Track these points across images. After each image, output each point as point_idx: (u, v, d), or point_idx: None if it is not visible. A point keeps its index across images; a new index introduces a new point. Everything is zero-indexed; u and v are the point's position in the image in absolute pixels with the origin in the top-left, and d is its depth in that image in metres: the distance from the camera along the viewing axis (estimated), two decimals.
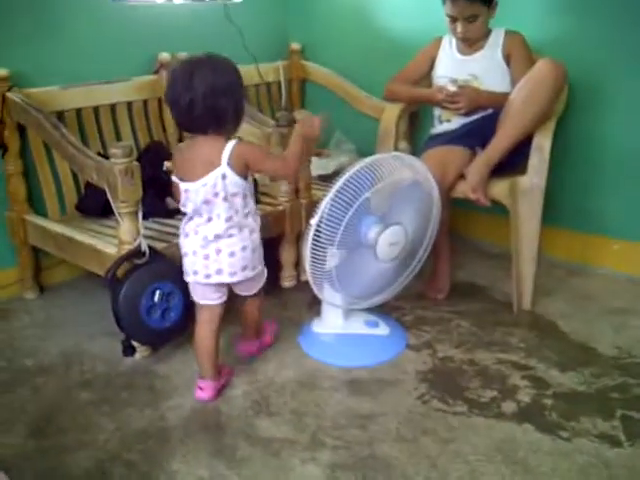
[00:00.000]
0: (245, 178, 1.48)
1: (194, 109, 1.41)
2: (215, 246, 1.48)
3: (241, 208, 1.49)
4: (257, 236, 1.55)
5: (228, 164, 1.43)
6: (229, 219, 1.47)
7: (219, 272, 1.50)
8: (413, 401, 1.57)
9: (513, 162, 1.96)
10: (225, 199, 1.45)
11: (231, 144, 1.45)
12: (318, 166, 2.43)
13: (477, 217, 2.45)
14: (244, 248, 1.51)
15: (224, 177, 1.43)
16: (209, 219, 1.48)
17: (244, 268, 1.52)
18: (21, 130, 2.00)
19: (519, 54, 2.06)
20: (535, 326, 1.92)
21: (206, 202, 1.46)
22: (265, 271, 1.65)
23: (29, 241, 2.06)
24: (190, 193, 1.47)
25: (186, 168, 1.48)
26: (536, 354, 1.76)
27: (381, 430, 1.47)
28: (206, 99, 1.40)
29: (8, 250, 2.10)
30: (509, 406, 1.54)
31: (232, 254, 1.49)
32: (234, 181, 1.45)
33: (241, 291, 1.63)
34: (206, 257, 1.49)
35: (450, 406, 1.55)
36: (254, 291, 1.65)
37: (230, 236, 1.49)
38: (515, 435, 1.44)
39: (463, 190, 1.92)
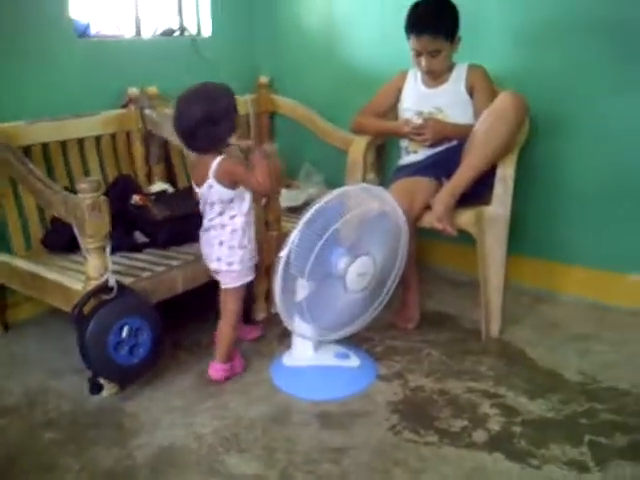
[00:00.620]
0: (233, 188, 1.72)
1: (194, 136, 1.68)
2: (204, 237, 1.79)
3: (227, 211, 1.74)
4: (238, 236, 1.75)
5: (214, 177, 1.69)
6: (211, 219, 1.76)
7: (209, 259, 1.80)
8: (384, 432, 1.57)
9: (478, 192, 2.00)
10: (211, 204, 1.74)
11: (216, 161, 1.69)
12: (288, 198, 2.45)
13: (444, 246, 2.48)
14: (221, 243, 1.75)
15: (210, 187, 1.71)
16: (205, 216, 1.78)
17: (218, 259, 1.76)
18: None
19: (481, 87, 2.12)
20: (503, 354, 1.95)
21: (203, 204, 1.76)
22: (242, 275, 1.80)
23: None
24: (198, 196, 1.76)
25: (195, 176, 1.77)
26: (505, 382, 1.78)
27: (353, 463, 1.46)
28: (202, 127, 1.66)
29: None
30: (480, 435, 1.55)
31: (211, 245, 1.76)
32: (219, 191, 1.70)
33: (222, 284, 1.81)
34: (203, 246, 1.81)
35: (421, 436, 1.55)
36: (228, 285, 1.79)
37: (210, 230, 1.77)
38: (485, 464, 1.45)
39: (430, 220, 1.95)
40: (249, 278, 1.83)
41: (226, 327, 1.80)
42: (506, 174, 1.97)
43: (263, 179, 1.70)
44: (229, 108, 1.70)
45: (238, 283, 1.80)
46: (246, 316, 1.99)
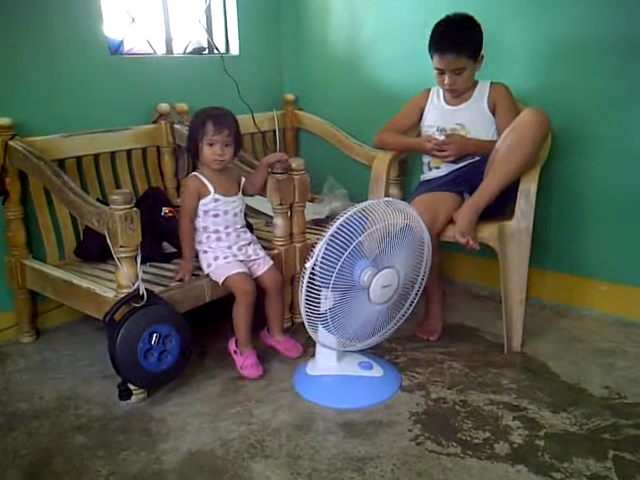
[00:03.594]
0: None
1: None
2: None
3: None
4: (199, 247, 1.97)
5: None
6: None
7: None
8: (407, 443, 1.59)
9: (500, 207, 2.03)
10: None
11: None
12: (312, 211, 2.49)
13: (466, 259, 2.50)
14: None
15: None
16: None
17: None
18: (22, 177, 2.06)
19: (504, 104, 2.15)
20: (525, 367, 1.95)
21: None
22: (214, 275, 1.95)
23: (27, 285, 2.09)
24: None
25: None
26: (528, 395, 1.79)
27: (376, 473, 1.48)
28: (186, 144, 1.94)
29: (5, 294, 2.13)
30: (502, 447, 1.56)
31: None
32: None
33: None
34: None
35: (444, 447, 1.57)
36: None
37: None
38: (509, 477, 1.45)
39: (453, 234, 1.98)
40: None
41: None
42: (529, 189, 1.99)
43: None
44: (190, 132, 1.94)
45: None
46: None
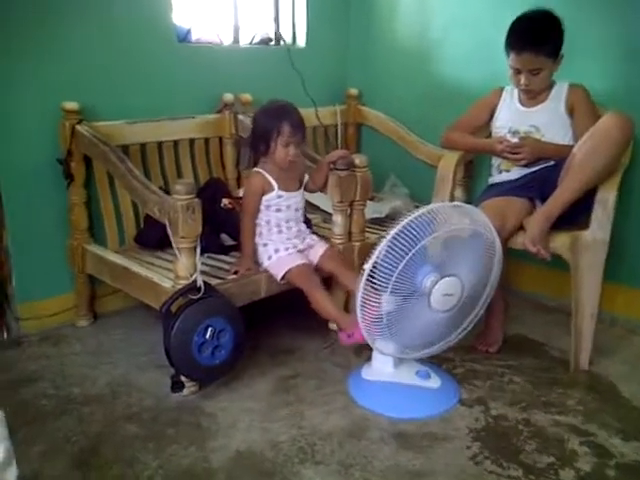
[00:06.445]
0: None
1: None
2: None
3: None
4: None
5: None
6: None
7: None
8: (465, 461, 1.51)
9: (574, 215, 1.91)
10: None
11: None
12: (372, 209, 2.42)
13: (532, 269, 2.38)
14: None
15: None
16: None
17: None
18: (87, 162, 2.07)
19: (583, 107, 2.03)
20: (593, 388, 1.84)
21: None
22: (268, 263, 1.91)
23: (87, 269, 2.10)
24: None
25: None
26: (596, 419, 1.68)
27: None
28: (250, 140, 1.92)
29: (66, 276, 2.15)
30: (568, 475, 1.46)
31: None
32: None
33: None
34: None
35: (504, 469, 1.48)
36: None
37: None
38: None
39: (522, 242, 1.88)
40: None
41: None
42: (607, 197, 1.87)
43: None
44: (262, 129, 1.86)
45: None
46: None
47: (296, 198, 1.94)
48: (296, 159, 1.87)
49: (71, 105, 2.02)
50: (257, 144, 1.89)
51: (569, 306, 1.90)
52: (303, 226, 1.99)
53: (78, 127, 2.01)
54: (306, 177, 2.00)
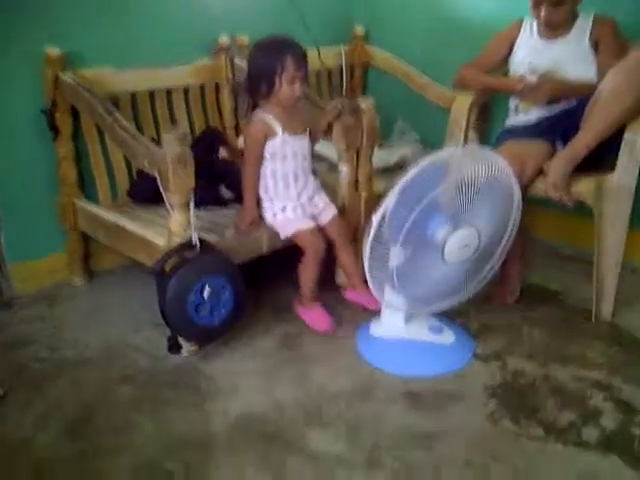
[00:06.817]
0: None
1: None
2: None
3: None
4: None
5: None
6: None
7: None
8: (481, 420, 1.42)
9: (599, 158, 1.77)
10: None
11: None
12: (379, 157, 2.27)
13: (550, 216, 2.25)
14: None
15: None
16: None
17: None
18: (74, 113, 1.93)
19: (609, 41, 1.87)
20: (616, 340, 1.74)
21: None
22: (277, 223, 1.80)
23: (79, 227, 2.00)
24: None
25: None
26: (620, 373, 1.58)
27: (446, 452, 1.32)
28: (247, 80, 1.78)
29: (57, 235, 2.04)
30: (591, 433, 1.37)
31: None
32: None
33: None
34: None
35: (523, 428, 1.39)
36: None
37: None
38: (599, 468, 1.27)
39: (543, 188, 1.75)
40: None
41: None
42: (634, 139, 1.71)
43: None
44: (262, 67, 1.69)
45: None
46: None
47: (302, 142, 1.78)
48: (302, 96, 1.72)
49: (53, 51, 1.87)
50: (257, 86, 1.71)
51: (586, 254, 1.80)
52: (311, 178, 1.84)
53: (62, 75, 1.87)
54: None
